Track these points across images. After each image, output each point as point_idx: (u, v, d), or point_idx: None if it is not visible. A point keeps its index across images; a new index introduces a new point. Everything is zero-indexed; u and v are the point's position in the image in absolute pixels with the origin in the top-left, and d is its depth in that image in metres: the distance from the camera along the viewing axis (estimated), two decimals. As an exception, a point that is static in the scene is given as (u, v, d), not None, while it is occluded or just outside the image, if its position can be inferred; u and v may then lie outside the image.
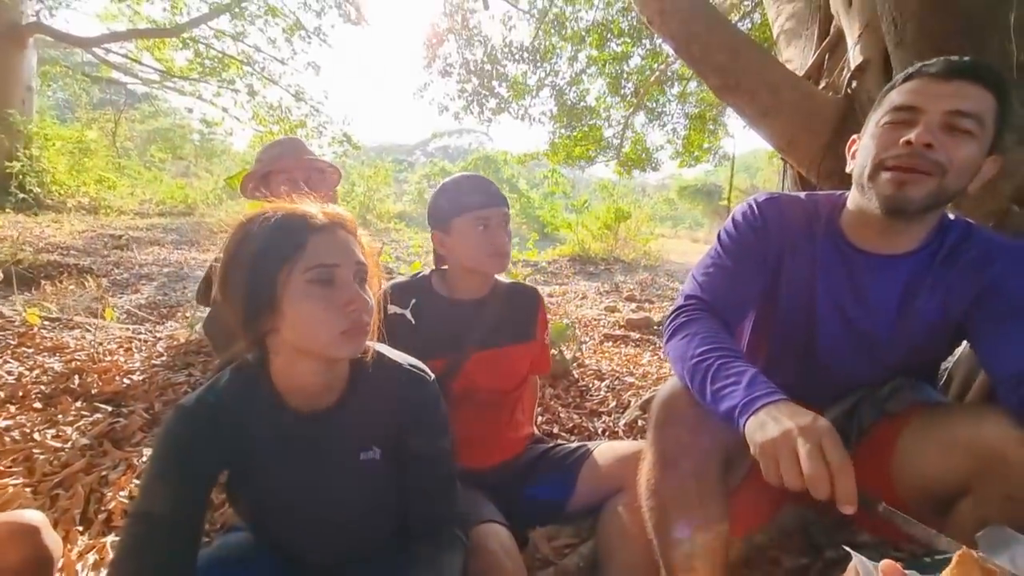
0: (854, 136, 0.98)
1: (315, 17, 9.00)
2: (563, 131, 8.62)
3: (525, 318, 1.34)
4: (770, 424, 0.70)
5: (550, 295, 5.41)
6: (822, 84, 2.04)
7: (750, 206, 1.04)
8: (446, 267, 1.28)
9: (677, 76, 8.41)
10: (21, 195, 7.16)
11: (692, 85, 8.71)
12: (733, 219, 1.05)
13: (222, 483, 0.86)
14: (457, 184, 1.23)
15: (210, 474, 0.80)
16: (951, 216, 0.95)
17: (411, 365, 0.90)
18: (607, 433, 1.87)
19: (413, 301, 1.24)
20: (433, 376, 0.91)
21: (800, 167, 1.89)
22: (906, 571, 0.49)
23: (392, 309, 1.21)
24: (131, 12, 8.49)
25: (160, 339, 2.41)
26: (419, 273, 1.32)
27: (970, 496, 0.82)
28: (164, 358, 2.13)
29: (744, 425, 0.74)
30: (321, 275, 0.74)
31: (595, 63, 7.90)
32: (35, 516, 0.79)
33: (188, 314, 3.21)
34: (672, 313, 0.99)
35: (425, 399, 0.89)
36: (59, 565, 0.79)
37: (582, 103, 8.45)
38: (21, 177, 7.32)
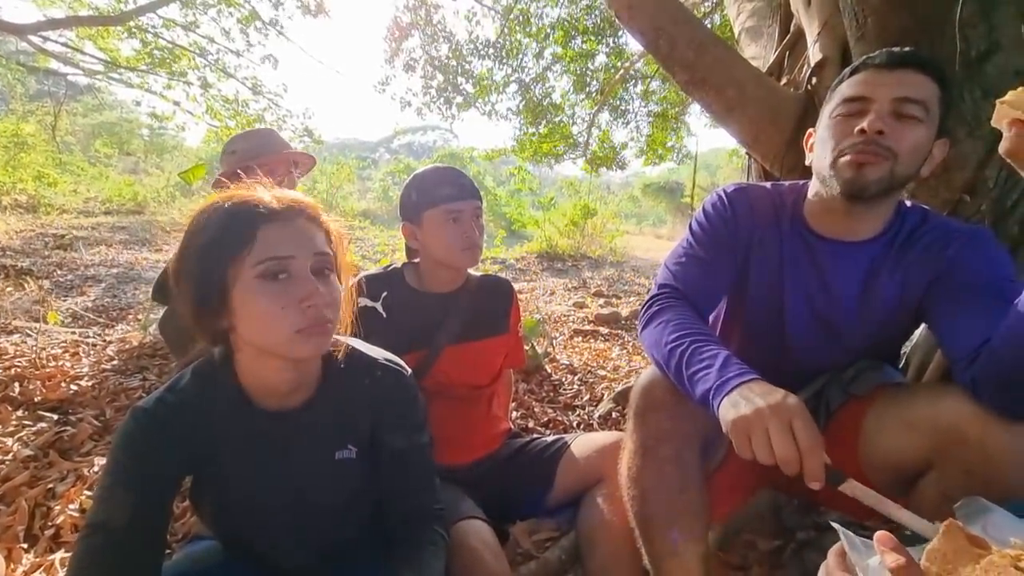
0: (810, 130, 1.01)
1: (271, 8, 8.66)
2: (530, 128, 8.63)
3: (498, 311, 1.33)
4: (742, 403, 0.71)
5: (519, 292, 5.41)
6: (784, 80, 2.09)
7: (719, 196, 1.06)
8: (418, 260, 1.26)
9: (640, 75, 8.55)
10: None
11: (655, 84, 8.87)
12: (704, 209, 1.07)
13: (184, 490, 0.80)
14: (428, 176, 1.20)
15: (171, 479, 0.75)
16: (908, 203, 0.99)
17: (386, 359, 0.86)
18: (582, 426, 1.88)
19: (384, 294, 1.21)
20: (409, 370, 0.88)
21: (765, 162, 1.94)
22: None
23: (363, 302, 1.18)
24: (71, -1, 7.98)
25: (110, 342, 2.28)
26: (391, 265, 1.29)
27: (932, 472, 0.85)
28: (115, 362, 2.00)
29: (718, 406, 0.75)
30: (272, 269, 0.68)
31: (560, 60, 7.94)
32: None
33: (140, 316, 3.04)
34: (647, 302, 1.00)
35: (402, 394, 0.86)
36: None
37: (547, 100, 8.48)
38: (-52, 173, 6.80)
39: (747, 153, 2.15)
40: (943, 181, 1.31)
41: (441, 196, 1.16)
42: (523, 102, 8.35)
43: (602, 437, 1.23)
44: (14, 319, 2.57)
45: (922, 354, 1.39)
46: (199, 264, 0.69)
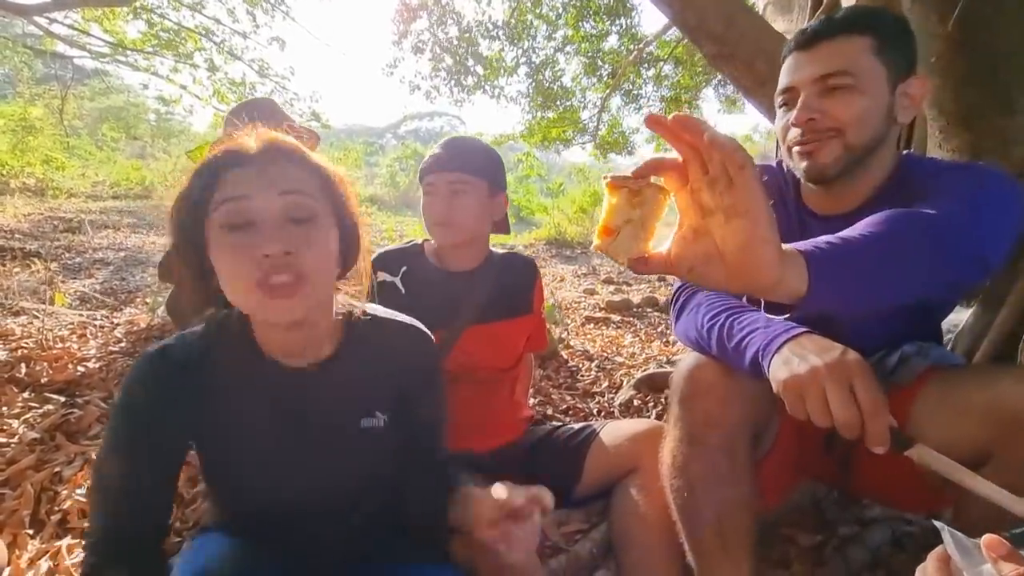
0: None
1: (278, -11, 8.53)
2: (539, 112, 8.50)
3: (522, 291, 1.27)
4: (795, 361, 0.65)
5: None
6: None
7: None
8: None
9: (653, 58, 8.36)
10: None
11: (667, 68, 8.68)
12: None
13: (193, 476, 0.74)
14: (439, 144, 1.16)
15: (179, 438, 0.69)
16: (916, 157, 0.94)
17: (411, 322, 0.81)
18: (603, 414, 1.81)
19: (404, 268, 1.16)
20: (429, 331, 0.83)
21: (796, 139, 1.85)
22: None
23: (381, 276, 1.13)
24: (76, -22, 7.87)
25: (118, 325, 2.23)
26: (412, 241, 1.23)
27: (991, 463, 0.78)
28: (123, 344, 1.96)
29: (768, 367, 0.68)
30: (230, 213, 0.59)
31: (571, 42, 7.78)
32: None
33: (148, 299, 3.00)
34: (674, 295, 0.96)
35: (430, 358, 0.82)
36: (4, 574, 0.67)
37: (557, 84, 8.33)
38: (-43, 156, 6.78)
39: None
40: (1001, 155, 1.22)
41: (424, 168, 1.13)
42: (532, 85, 8.20)
43: (632, 425, 1.17)
44: (21, 300, 2.53)
45: (970, 339, 1.31)
46: (177, 223, 0.63)
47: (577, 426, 1.24)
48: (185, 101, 9.69)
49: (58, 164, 8.51)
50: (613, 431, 1.16)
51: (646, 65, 8.51)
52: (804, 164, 0.87)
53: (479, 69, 7.84)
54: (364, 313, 0.76)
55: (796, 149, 0.87)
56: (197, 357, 0.67)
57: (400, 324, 0.80)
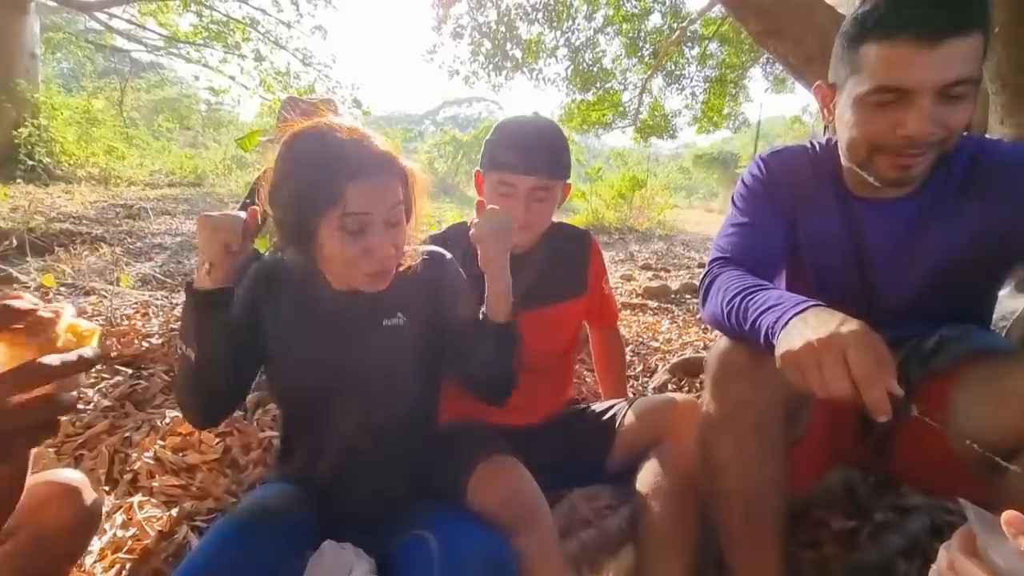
0: (819, 83, 0.90)
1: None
2: (578, 95, 8.37)
3: (575, 270, 1.23)
4: (795, 336, 0.65)
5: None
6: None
7: (756, 164, 1.01)
8: None
9: (698, 36, 8.08)
10: (30, 163, 7.11)
11: (713, 46, 8.38)
12: (742, 180, 1.02)
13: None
14: (511, 130, 1.08)
15: (262, 321, 0.88)
16: (975, 141, 0.88)
17: (431, 247, 0.97)
18: (636, 396, 1.82)
19: (461, 252, 1.12)
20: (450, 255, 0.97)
21: (845, 118, 1.77)
22: None
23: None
24: (133, -26, 8.27)
25: (176, 305, 2.39)
26: (458, 224, 1.22)
27: None
28: (181, 323, 2.09)
29: (776, 343, 0.68)
30: (352, 225, 0.75)
31: (612, 23, 7.60)
32: (75, 475, 0.77)
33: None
34: (700, 282, 0.95)
35: (452, 269, 0.96)
36: (99, 526, 0.77)
37: (597, 66, 8.17)
38: (30, 146, 7.27)
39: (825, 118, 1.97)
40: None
41: (502, 161, 1.05)
42: (572, 67, 8.08)
43: (658, 398, 1.17)
44: (91, 281, 2.73)
45: (1022, 331, 1.25)
46: (289, 212, 0.77)
47: (608, 403, 1.25)
48: (233, 91, 10.09)
49: (119, 154, 8.99)
50: (641, 405, 1.17)
51: (690, 44, 8.24)
52: (893, 175, 0.79)
53: (517, 53, 7.78)
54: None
55: (889, 159, 0.78)
56: (280, 273, 0.89)
57: (424, 249, 0.95)
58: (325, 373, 0.88)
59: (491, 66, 7.89)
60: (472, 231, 0.88)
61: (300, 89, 9.06)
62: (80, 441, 1.36)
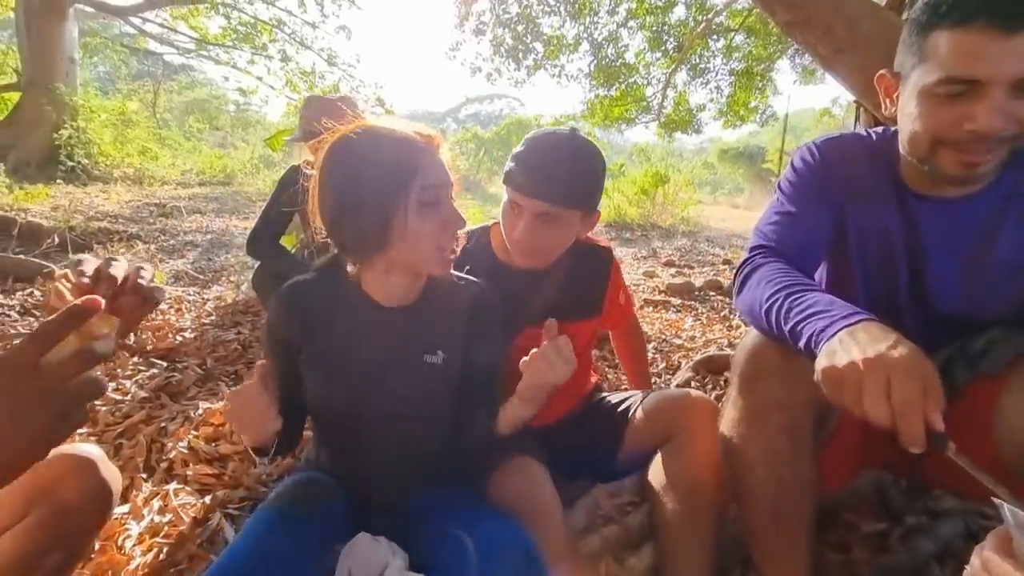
0: (883, 72, 0.86)
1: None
2: (600, 91, 8.30)
3: (592, 292, 1.20)
4: (839, 352, 0.62)
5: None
6: (906, 15, 1.83)
7: (809, 149, 0.96)
8: None
9: (723, 29, 7.92)
10: (70, 163, 7.39)
11: (739, 38, 8.20)
12: (792, 165, 0.97)
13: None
14: (534, 147, 1.01)
15: (299, 351, 0.88)
16: None
17: (478, 281, 0.96)
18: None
19: (467, 268, 1.09)
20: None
21: (878, 110, 1.72)
22: None
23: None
24: (165, -21, 8.51)
25: (208, 300, 2.46)
26: (479, 227, 1.20)
27: None
28: (213, 318, 2.16)
29: (819, 353, 0.66)
30: (431, 196, 0.79)
31: (635, 16, 7.51)
32: (91, 449, 0.78)
33: (233, 277, 3.26)
34: (738, 268, 0.92)
35: (492, 305, 0.95)
36: (117, 499, 0.80)
37: (620, 60, 8.08)
38: (69, 148, 7.55)
39: (856, 102, 1.92)
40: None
41: (514, 178, 1.00)
42: (594, 62, 8.01)
43: (672, 392, 1.16)
44: (127, 277, 2.83)
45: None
46: (368, 210, 0.77)
47: (622, 395, 1.25)
48: (261, 92, 10.29)
49: (152, 154, 9.27)
50: (654, 399, 1.16)
51: (715, 36, 8.09)
52: (957, 171, 0.75)
53: (539, 46, 7.75)
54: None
55: (954, 155, 0.74)
56: (310, 297, 0.88)
57: (469, 281, 0.96)
58: (360, 403, 0.87)
59: (512, 61, 7.88)
60: (527, 359, 0.84)
61: (324, 88, 9.20)
62: (119, 430, 1.42)
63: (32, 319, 1.99)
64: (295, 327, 0.87)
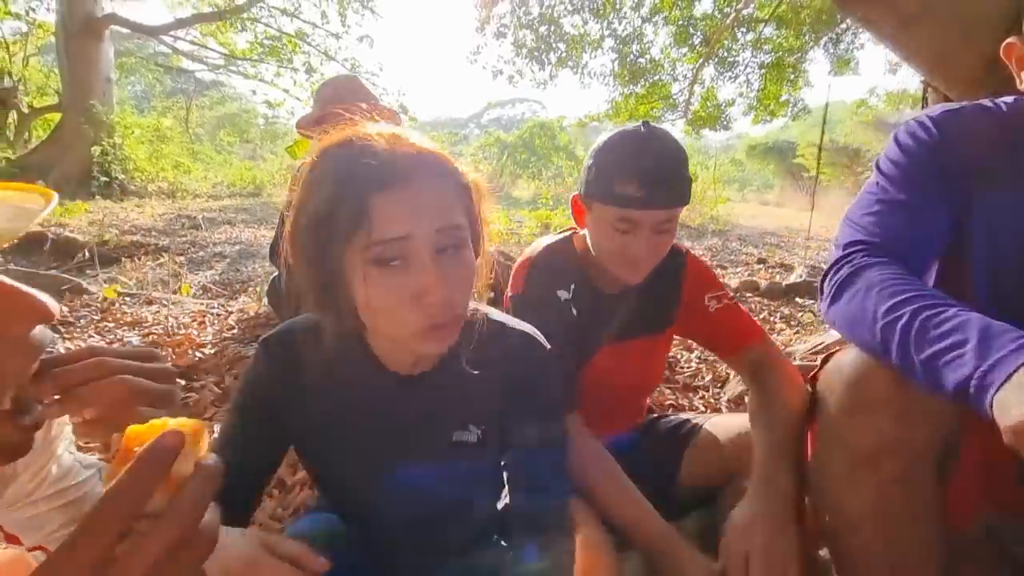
0: (1011, 40, 0.71)
1: (365, -12, 8.90)
2: (625, 89, 8.13)
3: (666, 304, 1.05)
4: None
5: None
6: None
7: (921, 123, 0.78)
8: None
9: (752, 20, 7.66)
10: (105, 179, 7.62)
11: (768, 30, 7.92)
12: (897, 142, 0.79)
13: (294, 464, 0.74)
14: (621, 152, 0.89)
15: (283, 428, 0.70)
16: None
17: (523, 328, 0.73)
18: (709, 411, 1.65)
19: (573, 286, 0.97)
20: (549, 346, 0.73)
21: (951, 89, 1.53)
22: None
23: (560, 294, 0.96)
24: (194, -2, 8.75)
25: (232, 312, 2.41)
26: (557, 240, 1.04)
27: None
28: (235, 331, 2.10)
29: (991, 402, 0.50)
30: (384, 254, 0.54)
31: (660, 10, 7.32)
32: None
33: (258, 288, 3.24)
34: (831, 269, 0.74)
35: (538, 370, 0.71)
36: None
37: (645, 57, 7.90)
38: (106, 164, 7.79)
39: (924, 82, 1.73)
40: None
41: (621, 195, 0.85)
42: (618, 60, 7.84)
43: (739, 422, 1.01)
44: (154, 291, 2.82)
45: None
46: (310, 245, 0.57)
47: (681, 417, 1.11)
48: (288, 104, 10.46)
49: (185, 168, 9.52)
50: (717, 427, 1.03)
51: (744, 29, 7.82)
52: None
53: (561, 46, 7.63)
54: (485, 319, 0.70)
55: None
56: (306, 354, 0.66)
57: (508, 328, 0.72)
58: (374, 490, 0.71)
59: (535, 62, 7.78)
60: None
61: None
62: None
63: (57, 336, 1.96)
64: (284, 389, 0.68)
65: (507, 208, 9.17)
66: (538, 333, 0.73)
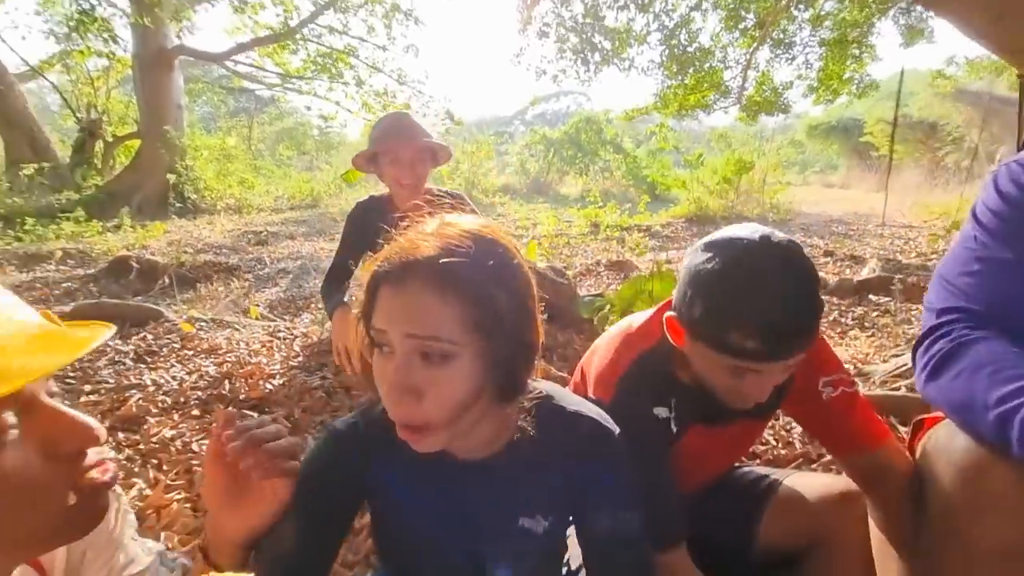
0: None
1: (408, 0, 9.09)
2: (673, 80, 7.85)
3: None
4: None
5: (668, 262, 4.98)
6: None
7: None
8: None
9: (810, -3, 7.19)
10: (179, 203, 8.21)
11: (828, 5, 7.41)
12: (998, 188, 0.70)
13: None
14: (736, 294, 0.72)
15: (347, 505, 0.72)
16: None
17: (594, 413, 0.71)
18: (780, 443, 1.57)
19: (674, 401, 0.87)
20: (619, 431, 0.70)
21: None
22: None
23: (657, 411, 0.87)
24: (252, 23, 9.20)
25: (296, 337, 2.52)
26: (656, 348, 0.89)
27: None
28: (300, 359, 2.20)
29: None
30: (378, 339, 0.59)
31: (709, -3, 7.02)
32: None
33: (318, 311, 3.38)
34: (925, 338, 0.68)
35: (608, 455, 0.69)
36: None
37: (694, 45, 7.59)
38: (180, 187, 8.38)
39: (1020, 76, 1.56)
40: None
41: (737, 349, 0.72)
42: (665, 51, 7.59)
43: (827, 481, 0.97)
44: (226, 314, 3.00)
45: None
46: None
47: (760, 471, 1.06)
48: (340, 116, 10.86)
49: (249, 184, 10.07)
50: (801, 484, 0.98)
51: (801, 6, 7.36)
52: None
53: (606, 44, 7.47)
54: (549, 401, 0.70)
55: None
56: (378, 433, 0.68)
57: (578, 414, 0.70)
58: (443, 567, 0.73)
59: (578, 61, 7.65)
60: None
61: (397, 106, 9.49)
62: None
63: (143, 367, 2.12)
64: (355, 481, 0.70)
65: (555, 206, 9.12)
66: (607, 417, 0.71)
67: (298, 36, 9.34)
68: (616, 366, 0.88)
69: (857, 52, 7.94)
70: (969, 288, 0.67)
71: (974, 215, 0.73)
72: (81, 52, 7.03)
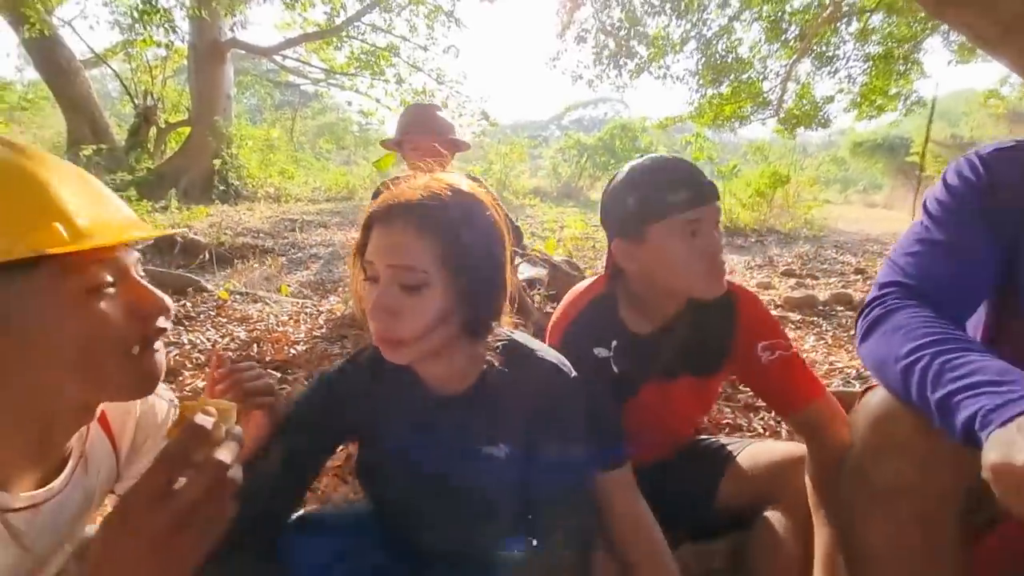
0: None
1: (450, 1, 9.27)
2: (709, 89, 7.82)
3: (713, 346, 1.01)
4: (1019, 444, 0.47)
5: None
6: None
7: (970, 161, 0.77)
8: (634, 289, 0.99)
9: (856, 10, 7.06)
10: (223, 188, 8.59)
11: (875, 19, 7.26)
12: (944, 181, 0.79)
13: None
14: (651, 174, 0.92)
15: (332, 443, 0.84)
16: None
17: (551, 356, 0.80)
18: (768, 433, 1.62)
19: (615, 343, 0.97)
20: (575, 373, 0.80)
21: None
22: None
23: (597, 351, 0.97)
24: (301, 19, 9.57)
25: (322, 312, 2.68)
26: (596, 298, 1.02)
27: None
28: (324, 330, 2.34)
29: (985, 439, 0.51)
30: (368, 271, 0.69)
31: (750, 7, 6.97)
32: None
33: (345, 291, 3.54)
34: (865, 308, 0.76)
35: (561, 393, 0.78)
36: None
37: (732, 55, 7.55)
38: (225, 172, 8.78)
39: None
40: None
41: (676, 201, 0.87)
42: (702, 60, 7.56)
43: (780, 448, 1.02)
44: (259, 290, 3.19)
45: None
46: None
47: (722, 440, 1.13)
48: (379, 113, 11.16)
49: (289, 175, 10.46)
50: (757, 451, 1.04)
51: (846, 20, 7.24)
52: None
53: (643, 51, 7.50)
54: (515, 343, 0.79)
55: None
56: (364, 376, 0.79)
57: (535, 354, 0.80)
58: (419, 500, 0.81)
59: (615, 67, 7.70)
60: None
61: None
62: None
63: (181, 328, 2.30)
64: (339, 421, 0.80)
65: (584, 211, 9.16)
66: (566, 362, 0.80)
67: (343, 33, 9.67)
68: (566, 316, 1.00)
69: (903, 68, 7.76)
70: (907, 266, 0.74)
71: (924, 203, 0.80)
72: (143, 41, 7.45)
